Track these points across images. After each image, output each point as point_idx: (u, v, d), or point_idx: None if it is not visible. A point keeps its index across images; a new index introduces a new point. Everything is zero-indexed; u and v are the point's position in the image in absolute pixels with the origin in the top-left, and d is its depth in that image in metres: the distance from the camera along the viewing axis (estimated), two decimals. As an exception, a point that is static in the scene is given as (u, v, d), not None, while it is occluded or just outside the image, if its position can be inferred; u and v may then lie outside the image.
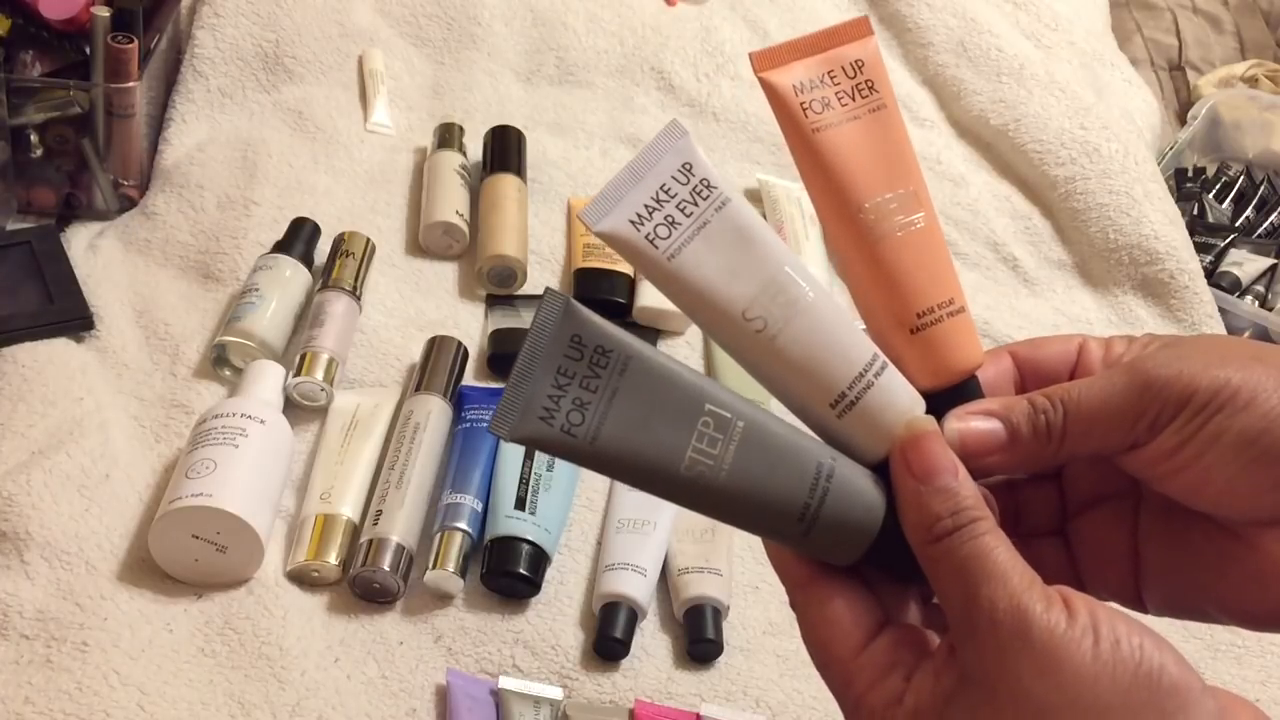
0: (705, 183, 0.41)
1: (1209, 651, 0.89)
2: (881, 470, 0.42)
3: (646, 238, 0.41)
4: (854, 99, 0.45)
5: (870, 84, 0.45)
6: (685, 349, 1.03)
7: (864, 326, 0.45)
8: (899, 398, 0.42)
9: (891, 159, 0.45)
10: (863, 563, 0.42)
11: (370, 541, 0.81)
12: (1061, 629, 0.37)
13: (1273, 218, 1.41)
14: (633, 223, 0.41)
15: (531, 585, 0.83)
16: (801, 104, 0.44)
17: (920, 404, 0.43)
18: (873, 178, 0.44)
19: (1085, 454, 0.43)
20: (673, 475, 0.40)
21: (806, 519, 0.40)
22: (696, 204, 0.41)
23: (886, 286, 0.45)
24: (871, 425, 0.42)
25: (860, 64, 0.45)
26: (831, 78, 0.45)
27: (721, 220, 0.41)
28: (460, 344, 0.95)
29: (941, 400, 0.44)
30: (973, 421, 0.43)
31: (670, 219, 0.41)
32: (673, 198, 0.41)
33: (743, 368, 0.43)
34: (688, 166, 0.41)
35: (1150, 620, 0.43)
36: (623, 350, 0.39)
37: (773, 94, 0.45)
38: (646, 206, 0.41)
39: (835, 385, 0.42)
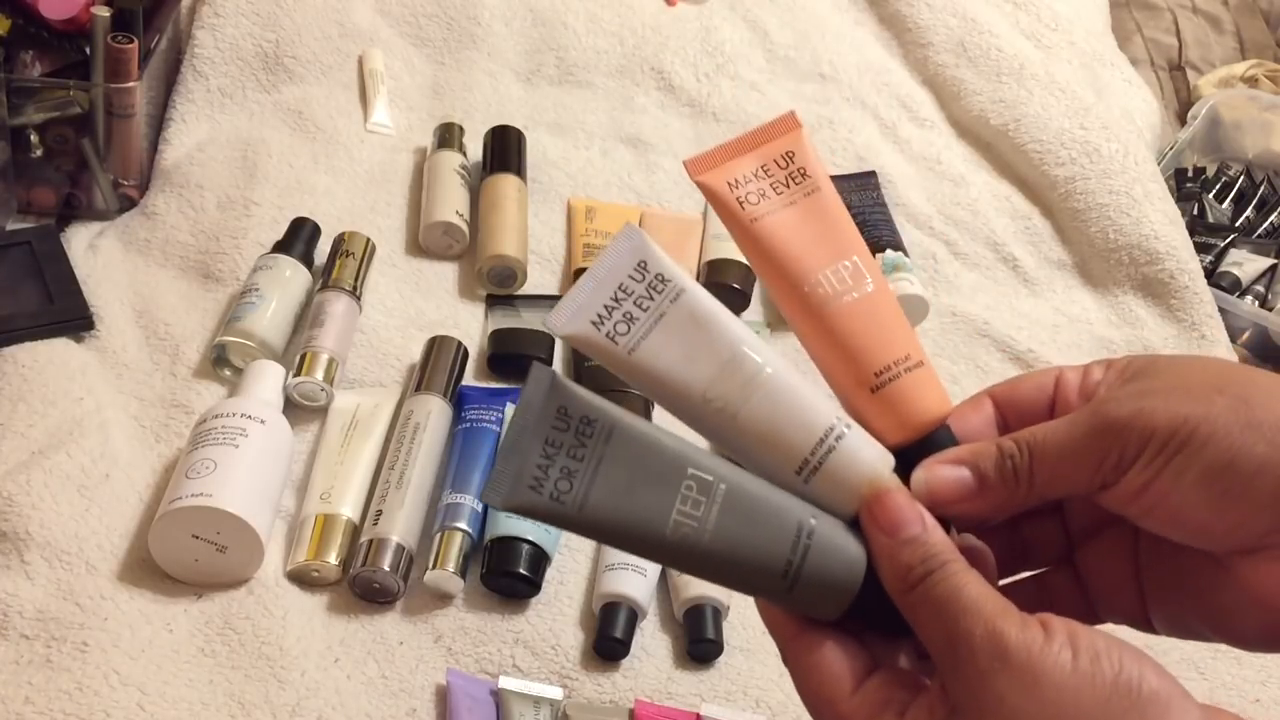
0: (660, 277, 0.44)
1: (1209, 652, 0.89)
2: (858, 527, 0.44)
3: (607, 335, 0.43)
4: (788, 186, 0.48)
5: (802, 171, 0.48)
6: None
7: (829, 391, 0.47)
8: (863, 458, 0.44)
9: (830, 236, 0.47)
10: (850, 617, 0.43)
11: (370, 541, 0.81)
12: (1038, 646, 0.38)
13: (1273, 218, 1.40)
14: (594, 324, 0.44)
15: (531, 585, 0.83)
16: (737, 198, 0.47)
17: (887, 461, 0.45)
18: (813, 256, 0.47)
19: (1057, 496, 0.44)
20: (659, 538, 0.42)
21: (790, 575, 0.42)
22: (652, 298, 0.44)
23: (841, 352, 0.47)
24: (838, 487, 0.44)
25: (791, 155, 0.48)
26: (765, 171, 0.48)
27: (677, 310, 0.44)
28: (460, 344, 0.95)
29: (916, 453, 0.45)
30: (940, 470, 0.44)
31: (629, 315, 0.44)
32: (630, 295, 0.44)
33: (710, 443, 0.45)
34: (643, 264, 0.44)
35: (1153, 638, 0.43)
36: (606, 419, 0.42)
37: (709, 194, 0.48)
38: (606, 307, 0.44)
39: (798, 453, 0.44)
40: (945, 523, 0.44)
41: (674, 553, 0.42)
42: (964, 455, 0.44)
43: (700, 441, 0.46)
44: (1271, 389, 0.41)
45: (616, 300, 0.44)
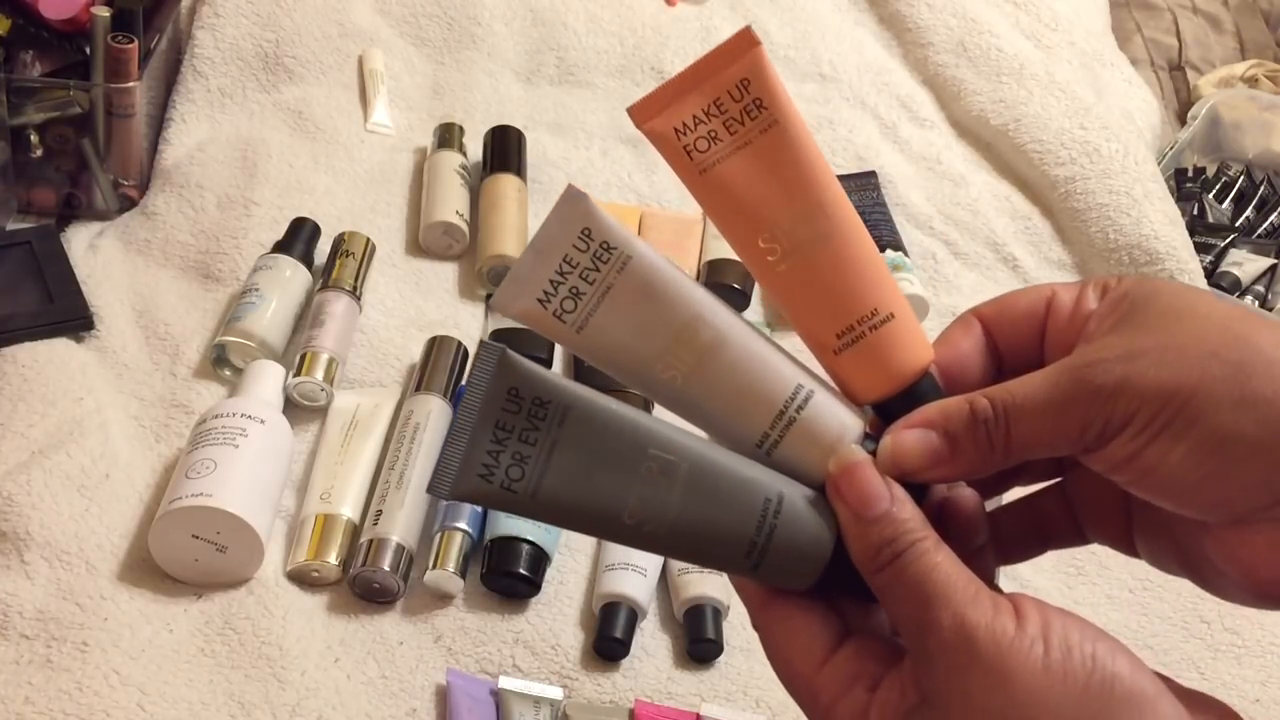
0: (605, 245, 0.41)
1: (1209, 652, 0.88)
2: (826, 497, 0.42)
3: (554, 314, 0.41)
4: (742, 123, 0.43)
5: (759, 102, 0.43)
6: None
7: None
8: (827, 428, 0.42)
9: (788, 177, 0.43)
10: (820, 588, 0.42)
11: (370, 541, 0.81)
12: (1009, 637, 0.37)
13: (1273, 218, 1.40)
14: (540, 301, 0.41)
15: (531, 585, 0.83)
16: (685, 147, 0.43)
17: (855, 428, 0.43)
18: (768, 205, 0.43)
19: (1035, 458, 0.42)
20: (617, 523, 0.40)
21: (754, 554, 0.41)
22: (598, 269, 0.41)
23: (798, 312, 0.44)
24: (805, 456, 0.42)
25: (746, 83, 0.43)
26: (719, 106, 0.43)
27: (625, 280, 0.41)
28: (460, 344, 0.95)
29: (896, 406, 0.43)
30: (907, 437, 0.41)
31: (575, 290, 0.41)
32: (575, 268, 0.41)
33: (672, 413, 0.43)
34: (586, 232, 0.41)
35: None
36: (561, 400, 0.39)
37: (657, 142, 0.43)
38: (552, 282, 0.41)
39: (759, 424, 0.42)
40: (919, 489, 0.42)
41: (633, 537, 0.40)
42: (933, 417, 0.41)
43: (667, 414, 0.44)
44: (1273, 352, 0.38)
45: (562, 274, 0.41)
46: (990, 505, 0.45)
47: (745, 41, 0.43)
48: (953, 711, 0.37)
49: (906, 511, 0.40)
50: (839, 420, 0.42)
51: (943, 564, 0.39)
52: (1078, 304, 0.43)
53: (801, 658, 0.41)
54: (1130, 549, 0.45)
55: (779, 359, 0.42)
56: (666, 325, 0.41)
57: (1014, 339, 0.44)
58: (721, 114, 0.43)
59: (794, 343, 0.45)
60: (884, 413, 0.43)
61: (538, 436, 0.39)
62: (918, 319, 0.44)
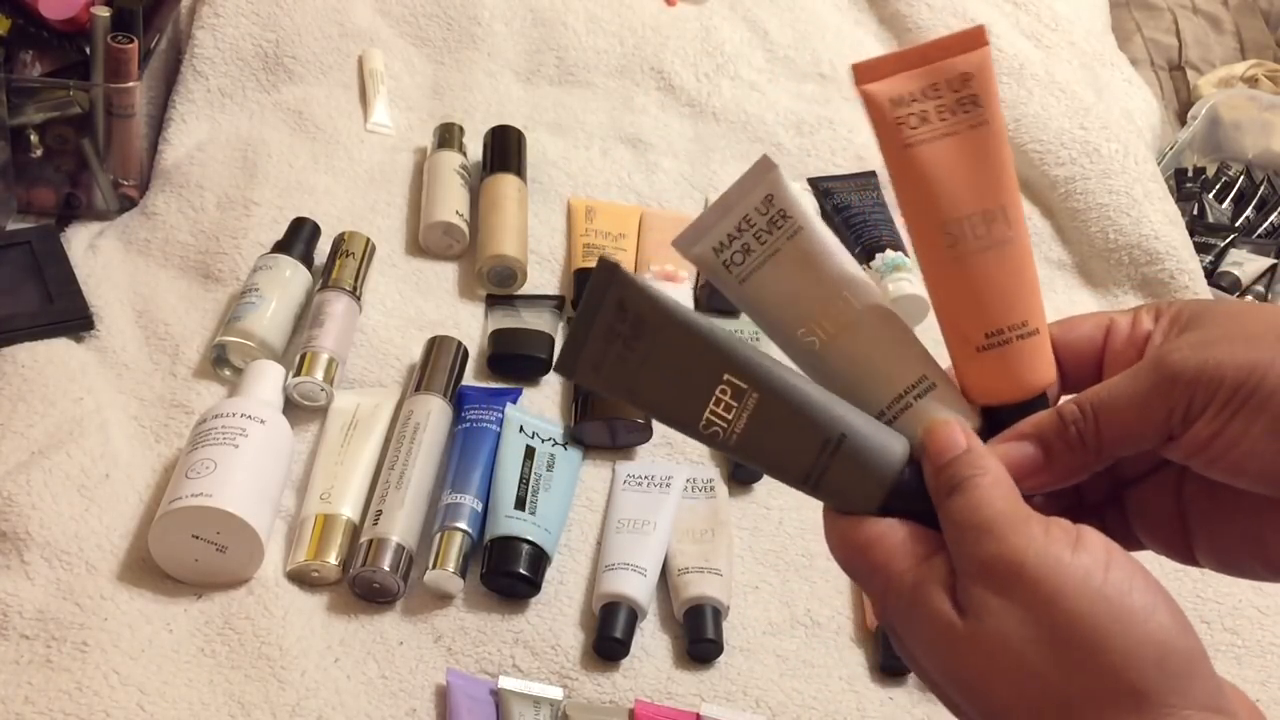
0: (782, 213, 0.46)
1: (1209, 652, 0.88)
2: (916, 472, 0.45)
3: (724, 263, 0.47)
4: (954, 114, 0.45)
5: (974, 99, 0.45)
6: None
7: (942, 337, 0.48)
8: (939, 415, 0.45)
9: (984, 176, 0.45)
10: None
11: (370, 541, 0.81)
12: (1064, 562, 0.40)
13: (1273, 218, 1.40)
14: (715, 250, 0.47)
15: (531, 585, 0.83)
16: (897, 118, 0.45)
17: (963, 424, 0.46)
18: (958, 196, 0.45)
19: (1126, 453, 0.44)
20: (693, 432, 0.45)
21: (811, 481, 0.45)
22: (771, 233, 0.46)
23: (958, 305, 0.46)
24: (911, 437, 0.45)
25: (967, 78, 0.45)
26: (935, 90, 0.45)
27: (791, 248, 0.46)
28: (460, 344, 0.95)
29: (1008, 416, 0.46)
30: (1004, 449, 0.45)
31: (746, 246, 0.46)
32: (752, 227, 0.46)
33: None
34: (769, 199, 0.46)
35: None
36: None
37: (870, 105, 0.45)
38: (729, 235, 0.47)
39: (875, 404, 0.46)
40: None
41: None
42: (1026, 430, 0.45)
43: None
44: None
45: (739, 230, 0.46)
46: None
47: (975, 39, 0.45)
48: (987, 624, 0.40)
49: (977, 451, 0.43)
50: (953, 411, 0.46)
51: (1003, 486, 0.42)
52: (1134, 327, 0.46)
53: (887, 536, 0.44)
54: (1188, 556, 0.48)
55: (911, 350, 0.46)
56: (816, 295, 0.46)
57: (1075, 357, 0.47)
58: (938, 97, 0.45)
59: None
60: (994, 421, 0.46)
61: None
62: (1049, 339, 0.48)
